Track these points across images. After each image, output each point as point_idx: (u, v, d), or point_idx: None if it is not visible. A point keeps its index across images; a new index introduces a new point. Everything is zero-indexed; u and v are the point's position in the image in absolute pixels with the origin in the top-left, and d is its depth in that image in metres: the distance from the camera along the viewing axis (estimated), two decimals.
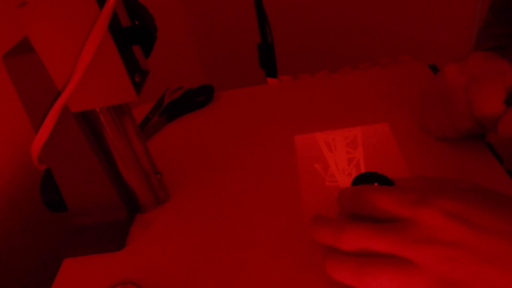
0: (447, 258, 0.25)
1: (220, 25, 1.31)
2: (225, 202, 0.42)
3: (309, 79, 0.59)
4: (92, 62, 0.31)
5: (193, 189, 0.44)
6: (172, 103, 0.58)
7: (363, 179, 0.33)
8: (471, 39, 1.25)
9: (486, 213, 0.26)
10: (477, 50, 0.43)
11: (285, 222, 0.38)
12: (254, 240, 0.37)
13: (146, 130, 0.55)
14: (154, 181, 0.42)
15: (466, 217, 0.26)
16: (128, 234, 0.40)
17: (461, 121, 0.38)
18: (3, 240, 0.48)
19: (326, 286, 0.32)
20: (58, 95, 0.33)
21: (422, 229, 0.26)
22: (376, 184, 0.32)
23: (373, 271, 0.26)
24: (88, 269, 0.38)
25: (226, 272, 0.35)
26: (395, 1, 1.20)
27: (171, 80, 0.65)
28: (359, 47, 1.21)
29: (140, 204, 0.42)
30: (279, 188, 0.42)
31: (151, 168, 0.41)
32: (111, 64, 0.31)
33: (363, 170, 0.42)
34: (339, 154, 0.45)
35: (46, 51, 0.31)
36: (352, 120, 0.48)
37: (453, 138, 0.41)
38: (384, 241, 0.27)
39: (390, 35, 1.20)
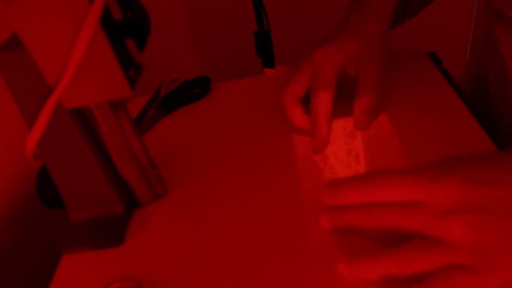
0: (474, 225, 0.25)
1: (216, 15, 1.29)
2: (223, 196, 0.41)
3: None
4: (84, 57, 0.30)
5: (191, 183, 0.44)
6: (168, 96, 0.57)
7: None
8: (470, 26, 1.24)
9: (496, 168, 0.26)
10: None
11: (285, 216, 0.37)
12: (253, 235, 0.37)
13: (143, 124, 0.54)
14: (151, 176, 0.41)
15: (480, 178, 0.26)
16: (126, 230, 0.40)
17: None
18: (2, 237, 0.48)
19: (326, 281, 0.31)
20: (50, 92, 0.32)
21: (442, 203, 0.26)
22: None
23: (408, 258, 0.26)
24: (87, 265, 0.38)
25: (225, 266, 0.34)
26: None
27: (167, 71, 0.64)
28: None
29: (138, 199, 0.42)
30: (278, 181, 0.41)
31: (148, 163, 0.41)
32: (103, 59, 0.31)
33: (362, 161, 0.42)
34: (338, 145, 0.44)
35: (36, 48, 0.30)
36: (351, 110, 0.48)
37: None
38: (411, 223, 0.26)
39: None
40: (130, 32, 0.33)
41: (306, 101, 0.44)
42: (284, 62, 0.61)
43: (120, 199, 0.40)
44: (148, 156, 0.41)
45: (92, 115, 0.36)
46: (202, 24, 1.32)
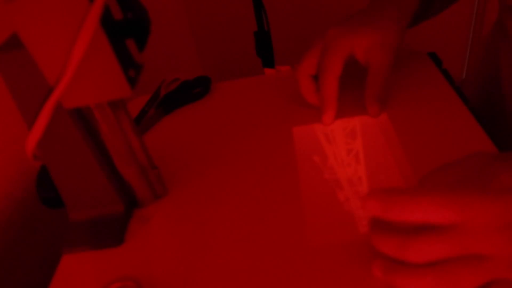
0: None
1: (216, 15, 1.29)
2: (223, 195, 0.41)
3: None
4: (84, 57, 0.30)
5: (191, 183, 0.44)
6: (168, 96, 0.57)
7: None
8: (470, 26, 1.24)
9: None
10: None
11: (285, 215, 0.37)
12: (253, 235, 0.36)
13: (143, 124, 0.54)
14: (151, 176, 0.41)
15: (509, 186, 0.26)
16: (126, 230, 0.40)
17: None
18: (2, 237, 0.48)
19: (327, 281, 0.31)
20: (50, 92, 0.32)
21: (481, 221, 0.25)
22: None
23: (454, 278, 0.26)
24: (87, 265, 0.38)
25: (225, 266, 0.34)
26: None
27: (167, 71, 0.64)
28: None
29: (137, 199, 0.42)
30: (278, 181, 0.41)
31: (148, 162, 0.41)
32: (103, 59, 0.31)
33: (362, 161, 0.42)
34: (338, 145, 0.44)
35: (36, 48, 0.30)
36: (351, 110, 0.48)
37: None
38: (452, 246, 0.26)
39: None
40: (130, 32, 0.33)
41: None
42: (284, 62, 0.61)
43: (120, 199, 0.40)
44: (148, 156, 0.41)
45: (92, 115, 0.36)
46: (202, 24, 1.32)
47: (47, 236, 0.54)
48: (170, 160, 0.46)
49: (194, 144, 0.49)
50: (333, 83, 0.45)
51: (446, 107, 0.45)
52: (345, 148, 0.44)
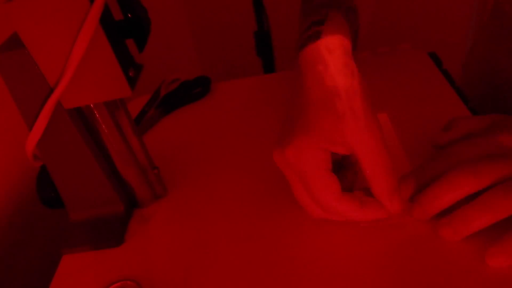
0: None
1: (216, 15, 1.29)
2: (223, 196, 0.41)
3: None
4: (84, 57, 0.30)
5: (191, 183, 0.44)
6: (168, 96, 0.57)
7: None
8: (469, 25, 1.24)
9: None
10: (299, 38, 0.37)
11: (285, 215, 0.37)
12: (253, 235, 0.36)
13: (143, 124, 0.54)
14: (151, 176, 0.41)
15: None
16: (126, 230, 0.40)
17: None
18: (2, 237, 0.48)
19: (327, 281, 0.31)
20: (50, 92, 0.32)
21: None
22: None
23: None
24: (87, 265, 0.38)
25: (225, 266, 0.34)
26: None
27: (167, 71, 0.64)
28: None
29: (137, 199, 0.42)
30: (278, 181, 0.41)
31: (148, 163, 0.41)
32: (103, 59, 0.31)
33: None
34: None
35: (36, 48, 0.30)
36: None
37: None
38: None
39: (389, 24, 1.19)
40: (130, 32, 0.33)
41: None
42: (284, 63, 0.61)
43: (120, 199, 0.40)
44: (148, 156, 0.41)
45: (92, 115, 0.36)
46: (202, 24, 1.32)
47: (47, 236, 0.53)
48: (170, 160, 0.46)
49: (194, 144, 0.49)
50: (346, 202, 0.32)
51: (446, 107, 0.45)
52: None
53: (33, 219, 0.53)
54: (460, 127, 0.37)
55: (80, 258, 0.38)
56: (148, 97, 0.58)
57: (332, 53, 0.33)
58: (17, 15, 0.29)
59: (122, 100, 0.37)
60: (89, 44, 0.30)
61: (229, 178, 0.43)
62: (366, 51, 0.57)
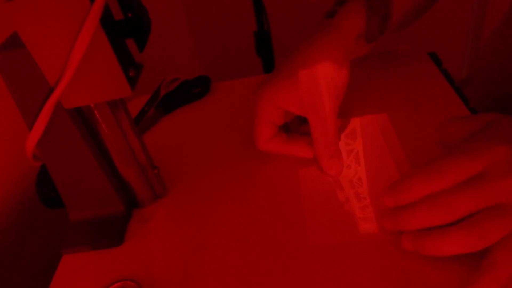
0: None
1: (216, 15, 1.29)
2: (223, 196, 0.41)
3: None
4: (85, 57, 0.30)
5: (191, 183, 0.44)
6: (168, 95, 0.57)
7: None
8: (469, 25, 1.24)
9: None
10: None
11: (284, 215, 0.37)
12: (253, 235, 0.36)
13: (143, 124, 0.54)
14: (151, 176, 0.41)
15: None
16: (126, 230, 0.40)
17: None
18: (2, 237, 0.48)
19: (327, 281, 0.31)
20: (50, 92, 0.32)
21: (499, 168, 0.28)
22: None
23: (481, 231, 0.27)
24: (87, 265, 0.38)
25: (225, 266, 0.34)
26: None
27: (167, 71, 0.64)
28: None
29: (137, 199, 0.42)
30: (278, 181, 0.41)
31: (148, 162, 0.41)
32: (104, 59, 0.31)
33: (362, 162, 0.42)
34: None
35: (36, 47, 0.30)
36: (351, 110, 0.48)
37: None
38: (476, 198, 0.28)
39: None
40: (130, 32, 0.33)
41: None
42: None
43: (120, 199, 0.40)
44: (148, 156, 0.41)
45: (92, 115, 0.36)
46: (202, 24, 1.32)
47: (47, 236, 0.53)
48: (170, 160, 0.46)
49: (194, 144, 0.49)
50: (273, 146, 0.41)
51: (446, 107, 0.45)
52: (345, 148, 0.44)
53: (33, 219, 0.53)
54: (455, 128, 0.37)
55: (80, 258, 0.38)
56: (148, 97, 0.58)
57: (330, 46, 0.39)
58: (17, 15, 0.29)
59: (122, 100, 0.37)
60: (89, 44, 0.29)
61: (229, 178, 0.43)
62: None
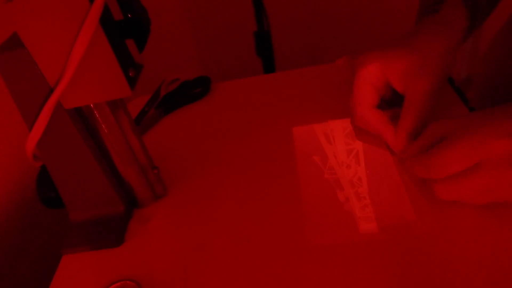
0: None
1: (216, 15, 1.29)
2: (223, 196, 0.41)
3: (307, 69, 0.59)
4: (84, 58, 0.30)
5: (191, 183, 0.44)
6: (168, 96, 0.57)
7: None
8: None
9: None
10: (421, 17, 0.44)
11: (284, 215, 0.37)
12: (253, 234, 0.36)
13: (143, 124, 0.54)
14: (151, 176, 0.41)
15: None
16: (126, 230, 0.40)
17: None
18: (2, 237, 0.48)
19: (327, 281, 0.31)
20: (50, 92, 0.32)
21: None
22: None
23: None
24: (87, 265, 0.38)
25: (224, 266, 0.34)
26: None
27: (167, 71, 0.64)
28: (357, 36, 1.20)
29: (137, 199, 0.42)
30: (278, 181, 0.41)
31: (148, 162, 0.41)
32: (104, 60, 0.31)
33: (362, 161, 0.42)
34: (338, 145, 0.44)
35: (36, 48, 0.30)
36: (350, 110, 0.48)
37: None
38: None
39: (389, 24, 1.19)
40: (130, 32, 0.33)
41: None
42: (284, 62, 0.61)
43: (120, 199, 0.40)
44: (148, 156, 0.41)
45: (92, 115, 0.36)
46: (202, 24, 1.32)
47: (47, 236, 0.54)
48: (170, 160, 0.46)
49: (194, 144, 0.49)
50: (373, 115, 0.41)
51: (446, 107, 0.45)
52: (345, 148, 0.44)
53: (33, 219, 0.53)
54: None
55: (80, 258, 0.38)
56: (148, 97, 0.58)
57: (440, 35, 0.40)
58: (17, 15, 0.29)
59: (122, 100, 0.37)
60: (89, 44, 0.29)
61: (229, 178, 0.43)
62: (367, 51, 0.57)
